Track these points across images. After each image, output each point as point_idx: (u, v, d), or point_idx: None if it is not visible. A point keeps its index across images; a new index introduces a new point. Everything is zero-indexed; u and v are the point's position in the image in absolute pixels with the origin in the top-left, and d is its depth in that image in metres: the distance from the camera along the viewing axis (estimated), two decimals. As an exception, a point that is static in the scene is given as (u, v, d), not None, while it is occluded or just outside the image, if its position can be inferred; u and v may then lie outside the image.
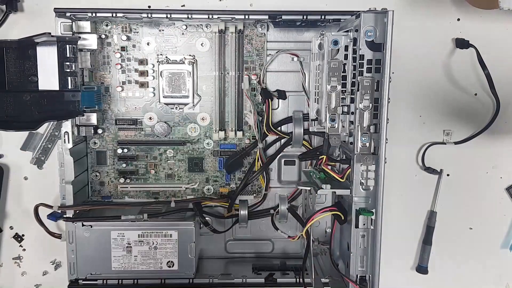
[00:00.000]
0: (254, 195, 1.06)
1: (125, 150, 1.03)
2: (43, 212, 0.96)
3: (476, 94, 1.07)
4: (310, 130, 1.01)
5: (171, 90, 1.00)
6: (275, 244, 1.10)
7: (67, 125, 0.92)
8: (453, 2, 1.03)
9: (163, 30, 1.00)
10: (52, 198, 1.04)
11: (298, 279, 0.98)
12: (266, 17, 0.93)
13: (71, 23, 0.93)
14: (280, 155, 1.04)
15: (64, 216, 0.94)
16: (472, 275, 1.13)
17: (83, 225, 0.94)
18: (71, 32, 0.93)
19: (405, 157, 1.08)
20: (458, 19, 1.04)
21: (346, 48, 0.88)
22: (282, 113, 1.04)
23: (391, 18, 0.77)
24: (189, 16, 0.91)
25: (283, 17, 0.92)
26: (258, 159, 1.01)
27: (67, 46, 0.88)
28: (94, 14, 0.91)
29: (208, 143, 1.04)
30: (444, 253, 1.12)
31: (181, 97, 1.00)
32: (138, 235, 0.94)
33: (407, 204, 1.10)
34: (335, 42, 0.88)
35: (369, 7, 0.81)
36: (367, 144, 0.83)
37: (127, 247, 0.95)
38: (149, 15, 0.91)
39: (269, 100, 1.00)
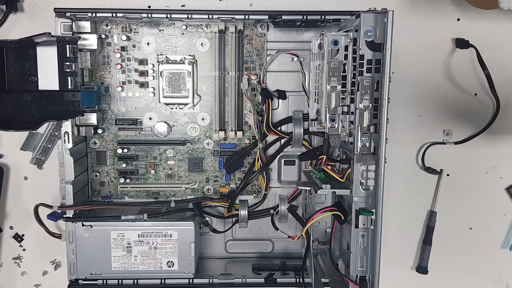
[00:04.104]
0: (254, 195, 1.06)
1: (125, 150, 1.03)
2: (43, 212, 0.96)
3: (476, 94, 1.07)
4: (310, 130, 1.01)
5: (171, 90, 1.00)
6: (275, 244, 1.10)
7: (67, 125, 0.92)
8: (453, 2, 1.03)
9: (163, 30, 1.00)
10: (52, 198, 1.04)
11: (298, 279, 0.98)
12: (266, 17, 0.93)
13: (71, 23, 0.93)
14: (280, 155, 1.04)
15: (64, 216, 0.94)
16: (472, 275, 1.13)
17: (83, 225, 0.94)
18: (71, 32, 0.93)
19: (405, 157, 1.08)
20: (458, 19, 1.04)
21: (346, 48, 0.88)
22: (282, 113, 1.04)
23: (391, 18, 0.77)
24: (189, 16, 0.91)
25: (283, 17, 0.92)
26: (258, 159, 1.01)
27: (67, 46, 0.88)
28: (94, 14, 0.91)
29: (208, 143, 1.04)
30: (444, 253, 1.12)
31: (181, 97, 1.00)
32: (138, 235, 0.94)
33: (407, 204, 1.10)
34: (335, 42, 0.88)
35: (369, 7, 0.81)
36: (367, 144, 0.83)
37: (127, 247, 0.95)
38: (149, 15, 0.91)
39: (269, 100, 1.00)
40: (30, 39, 0.85)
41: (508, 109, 1.07)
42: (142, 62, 1.00)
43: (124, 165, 1.04)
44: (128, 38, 1.00)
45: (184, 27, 0.99)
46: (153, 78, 1.01)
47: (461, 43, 1.03)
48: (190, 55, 1.00)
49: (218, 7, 1.01)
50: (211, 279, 0.97)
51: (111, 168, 1.04)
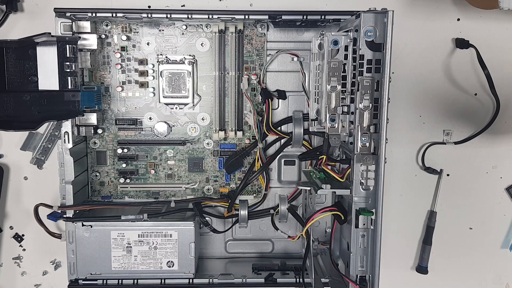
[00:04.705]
0: (254, 195, 1.06)
1: (125, 150, 1.03)
2: (43, 212, 0.96)
3: (476, 94, 1.07)
4: (310, 130, 1.01)
5: (171, 90, 1.00)
6: (275, 244, 1.10)
7: (67, 125, 0.92)
8: (453, 2, 1.03)
9: (163, 30, 1.00)
10: (52, 198, 1.04)
11: (298, 279, 0.98)
12: (266, 17, 0.93)
13: (71, 23, 0.93)
14: (280, 155, 1.04)
15: (64, 216, 0.94)
16: (472, 275, 1.13)
17: (83, 225, 0.94)
18: (71, 32, 0.93)
19: (405, 157, 1.08)
20: (458, 19, 1.04)
21: (346, 48, 0.88)
22: (282, 113, 1.04)
23: (391, 18, 0.77)
24: (189, 16, 0.91)
25: (283, 17, 0.92)
26: (258, 159, 1.01)
27: (67, 46, 0.88)
28: (94, 14, 0.91)
29: (208, 143, 1.04)
30: (444, 253, 1.12)
31: (181, 97, 1.00)
32: (138, 235, 0.94)
33: (407, 204, 1.10)
34: (335, 42, 0.88)
35: (369, 7, 0.81)
36: (367, 144, 0.83)
37: (127, 247, 0.95)
38: (149, 15, 0.91)
39: (269, 100, 1.00)
40: (30, 39, 0.85)
41: (508, 109, 1.07)
42: (142, 62, 1.00)
43: (124, 165, 1.04)
44: (128, 38, 1.00)
45: (184, 27, 0.99)
46: (153, 78, 1.01)
47: (461, 43, 1.03)
48: (190, 55, 1.00)
49: (218, 7, 1.01)
50: (211, 279, 0.97)
51: (111, 168, 1.04)
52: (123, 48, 1.00)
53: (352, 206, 0.85)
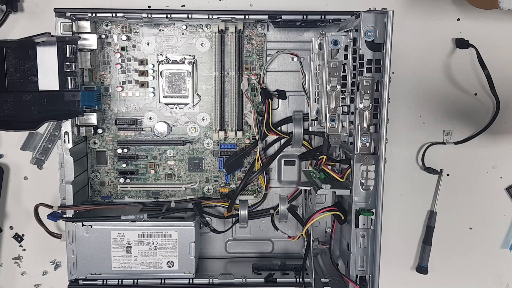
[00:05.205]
0: (254, 195, 1.06)
1: (125, 150, 1.03)
2: (43, 212, 0.96)
3: (476, 94, 1.07)
4: (310, 130, 1.01)
5: (171, 90, 1.00)
6: (275, 244, 1.10)
7: (67, 125, 0.92)
8: (453, 2, 1.03)
9: (163, 30, 1.00)
10: (52, 198, 1.05)
11: (298, 279, 0.98)
12: (266, 17, 0.93)
13: (71, 23, 0.93)
14: (280, 155, 1.04)
15: (64, 216, 0.94)
16: (472, 275, 1.13)
17: (83, 225, 0.94)
18: (71, 32, 0.93)
19: (405, 157, 1.08)
20: (458, 19, 1.04)
21: (346, 48, 0.88)
22: (282, 113, 1.04)
23: (391, 18, 0.77)
24: (189, 16, 0.91)
25: (283, 17, 0.92)
26: (258, 159, 1.01)
27: (67, 46, 0.88)
28: (94, 14, 0.91)
29: (208, 143, 1.04)
30: (444, 253, 1.12)
31: (181, 97, 1.00)
32: (138, 235, 0.94)
33: (407, 204, 1.10)
34: (335, 42, 0.88)
35: (369, 7, 0.81)
36: (367, 144, 0.83)
37: (127, 247, 0.95)
38: (149, 15, 0.91)
39: (269, 100, 1.00)
40: (30, 39, 0.85)
41: (508, 109, 1.07)
42: (142, 62, 1.00)
43: (124, 165, 1.04)
44: (128, 38, 1.00)
45: (184, 27, 0.99)
46: (153, 78, 1.01)
47: (461, 43, 1.03)
48: (190, 55, 1.00)
49: (218, 7, 1.01)
50: (211, 279, 0.97)
51: (111, 168, 1.04)
52: (123, 48, 1.00)
53: (352, 206, 0.85)
